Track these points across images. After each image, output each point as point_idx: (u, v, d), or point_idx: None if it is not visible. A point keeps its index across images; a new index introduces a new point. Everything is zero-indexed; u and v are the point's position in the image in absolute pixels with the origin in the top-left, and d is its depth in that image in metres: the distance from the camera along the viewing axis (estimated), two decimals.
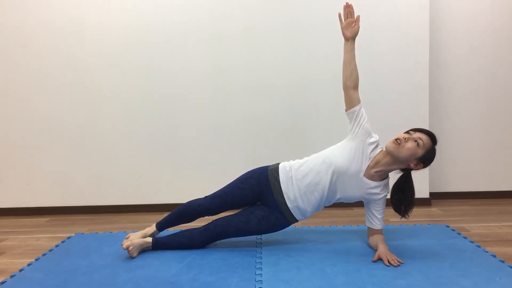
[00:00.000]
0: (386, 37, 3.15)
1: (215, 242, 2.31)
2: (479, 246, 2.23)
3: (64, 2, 3.12)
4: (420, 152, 2.03)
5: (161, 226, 2.34)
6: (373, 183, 2.13)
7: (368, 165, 2.12)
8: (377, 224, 2.19)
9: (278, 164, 2.29)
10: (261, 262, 2.07)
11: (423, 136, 2.05)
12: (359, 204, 2.30)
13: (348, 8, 2.19)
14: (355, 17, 2.18)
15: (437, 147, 2.10)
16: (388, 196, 2.21)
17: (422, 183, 3.18)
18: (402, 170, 2.17)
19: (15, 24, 3.13)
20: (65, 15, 3.13)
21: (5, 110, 3.19)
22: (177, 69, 3.18)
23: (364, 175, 2.12)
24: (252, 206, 2.27)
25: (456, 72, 3.35)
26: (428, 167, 2.18)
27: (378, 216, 2.18)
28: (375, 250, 2.13)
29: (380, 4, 3.13)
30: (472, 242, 2.30)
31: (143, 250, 2.24)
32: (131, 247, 2.17)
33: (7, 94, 3.18)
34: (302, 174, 2.18)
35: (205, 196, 2.33)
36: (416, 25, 3.14)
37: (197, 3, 3.14)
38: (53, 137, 3.21)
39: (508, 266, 1.96)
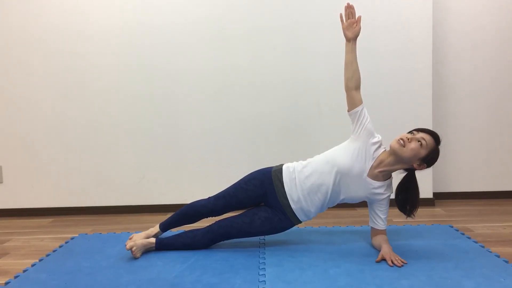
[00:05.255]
0: (389, 37, 3.14)
1: (219, 243, 2.31)
2: (483, 246, 2.22)
3: (67, 2, 3.13)
4: (423, 152, 2.03)
5: (164, 227, 2.34)
6: (377, 183, 2.12)
7: (372, 165, 2.12)
8: (380, 224, 2.19)
9: (281, 165, 2.29)
10: (264, 263, 2.07)
11: (427, 137, 2.05)
12: (363, 204, 2.29)
13: (349, 9, 2.19)
14: (357, 17, 2.18)
15: (441, 147, 2.10)
16: (393, 196, 2.21)
17: (426, 183, 3.17)
18: (405, 170, 2.16)
19: (18, 25, 3.14)
20: (68, 15, 3.13)
21: (8, 110, 3.20)
22: (180, 70, 3.18)
23: (368, 175, 2.11)
24: (256, 207, 2.27)
25: (460, 71, 3.34)
26: (431, 167, 2.17)
27: (381, 216, 2.18)
28: (378, 250, 2.13)
29: (383, 4, 3.12)
30: (476, 242, 2.29)
31: (147, 250, 2.24)
32: (134, 248, 2.17)
33: (10, 94, 3.19)
34: (306, 175, 2.17)
35: (209, 197, 2.33)
36: (419, 25, 3.13)
37: (200, 3, 3.14)
38: (57, 137, 3.21)
39: None
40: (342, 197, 2.18)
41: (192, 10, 3.14)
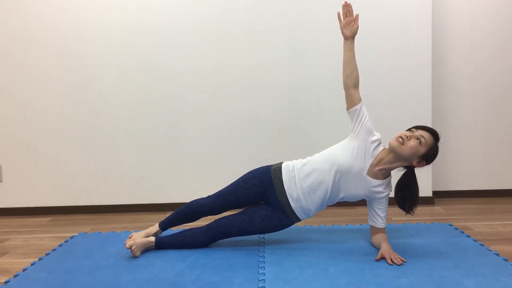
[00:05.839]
0: (389, 36, 3.15)
1: (218, 242, 2.31)
2: (482, 245, 2.22)
3: (67, 2, 3.13)
4: (422, 150, 2.03)
5: (164, 226, 2.35)
6: (376, 182, 2.12)
7: (371, 163, 2.12)
8: (380, 223, 2.19)
9: (281, 163, 2.29)
10: (263, 261, 2.07)
11: (425, 134, 2.05)
12: (362, 203, 2.30)
13: (347, 7, 2.19)
14: (354, 16, 2.18)
15: (440, 146, 2.10)
16: (392, 194, 2.21)
17: (425, 181, 3.17)
18: (405, 167, 2.16)
19: (18, 25, 3.14)
20: (68, 15, 3.13)
21: (7, 110, 3.20)
22: (180, 69, 3.18)
23: (367, 173, 2.12)
24: (255, 206, 2.27)
25: (459, 70, 3.34)
26: (431, 166, 2.18)
27: (381, 215, 2.18)
28: (378, 249, 2.13)
29: (382, 3, 3.13)
30: (475, 240, 2.29)
31: (146, 249, 2.24)
32: (134, 247, 2.17)
33: (9, 94, 3.19)
34: (305, 173, 2.17)
35: (208, 196, 2.33)
36: (418, 24, 3.13)
37: (200, 3, 3.14)
38: (56, 137, 3.21)
39: (511, 264, 1.96)
40: (341, 195, 2.18)
41: (192, 10, 3.14)
